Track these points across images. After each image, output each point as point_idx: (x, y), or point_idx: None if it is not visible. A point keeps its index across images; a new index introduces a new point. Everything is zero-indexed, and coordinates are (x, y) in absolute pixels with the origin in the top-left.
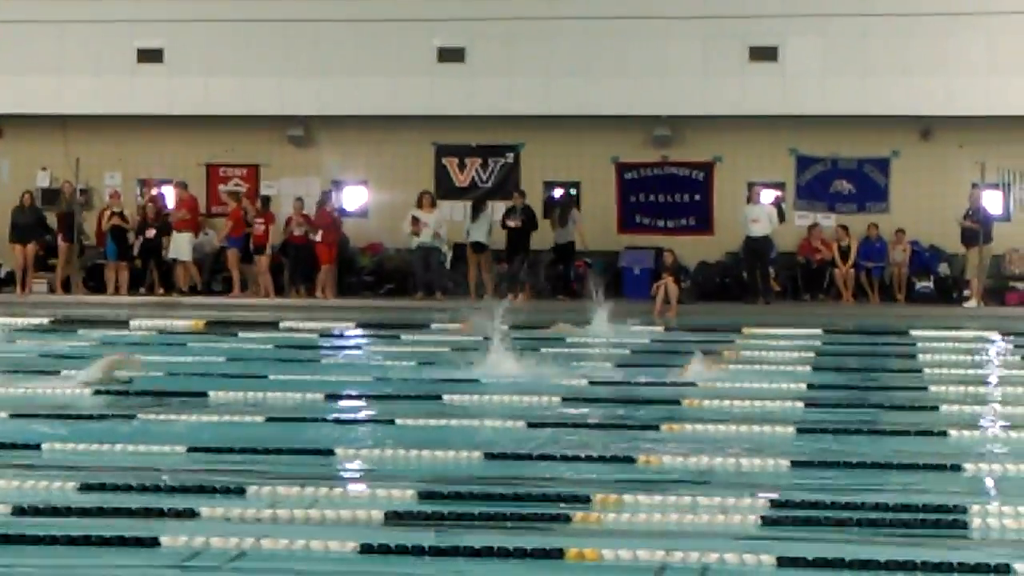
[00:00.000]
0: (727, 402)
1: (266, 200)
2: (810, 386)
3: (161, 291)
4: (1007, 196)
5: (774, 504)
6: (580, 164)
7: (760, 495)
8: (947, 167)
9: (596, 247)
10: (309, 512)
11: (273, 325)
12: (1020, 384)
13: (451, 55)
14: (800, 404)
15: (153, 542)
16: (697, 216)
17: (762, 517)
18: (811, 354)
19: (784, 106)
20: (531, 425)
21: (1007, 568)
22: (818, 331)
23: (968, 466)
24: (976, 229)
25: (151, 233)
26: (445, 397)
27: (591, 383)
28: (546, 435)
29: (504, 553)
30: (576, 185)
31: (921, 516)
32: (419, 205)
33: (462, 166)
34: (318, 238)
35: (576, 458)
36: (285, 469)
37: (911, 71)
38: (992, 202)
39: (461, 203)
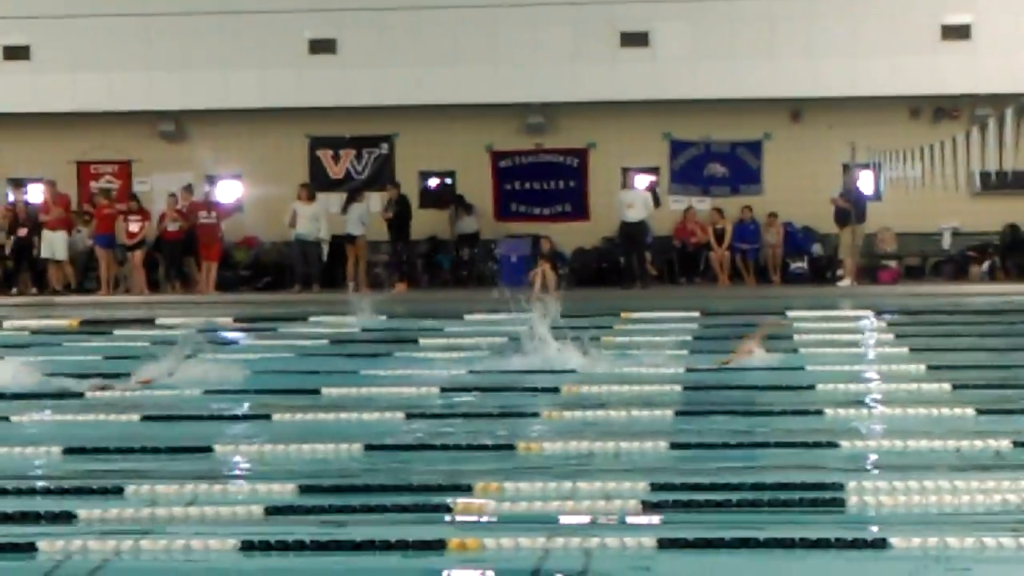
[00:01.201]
0: (606, 387)
1: (134, 196)
2: (688, 369)
3: (34, 291)
4: (877, 176)
5: (654, 487)
6: (455, 153)
7: (640, 479)
8: (818, 148)
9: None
10: (188, 510)
11: (149, 322)
12: (894, 361)
13: (322, 46)
14: (678, 387)
15: (30, 547)
16: (573, 202)
17: (643, 501)
18: (688, 337)
19: (656, 91)
20: (410, 416)
21: (884, 543)
22: (695, 314)
23: (844, 443)
24: (848, 209)
25: (23, 232)
26: (323, 390)
27: (471, 372)
28: (426, 426)
29: (385, 545)
30: (451, 174)
31: (799, 494)
32: (298, 198)
33: (336, 158)
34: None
35: (456, 447)
36: (163, 467)
37: (780, 54)
38: (863, 182)
39: (337, 195)
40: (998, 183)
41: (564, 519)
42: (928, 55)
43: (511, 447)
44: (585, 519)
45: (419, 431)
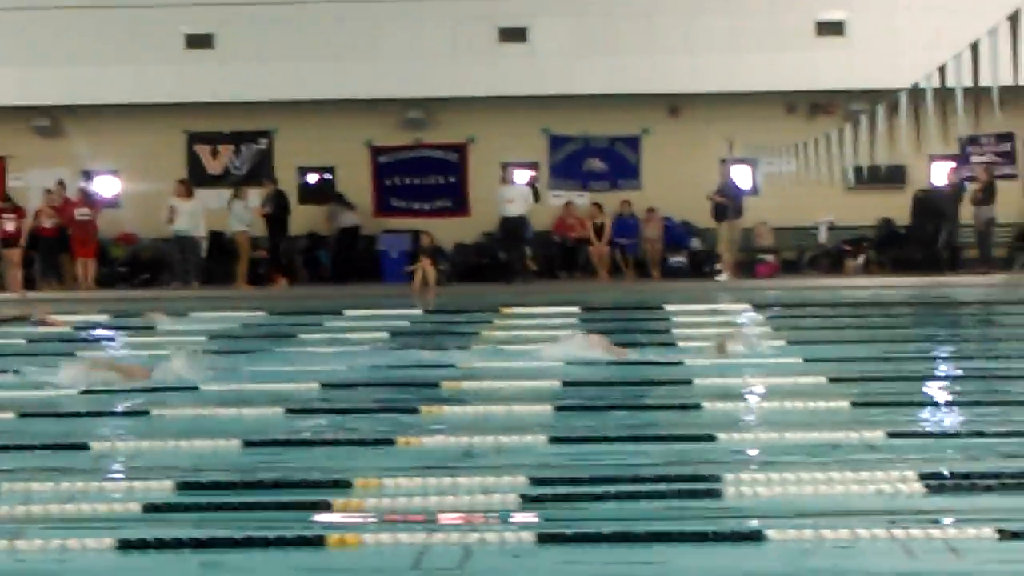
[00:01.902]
0: (486, 383)
1: (8, 196)
2: (568, 363)
3: None
4: (754, 171)
5: (534, 481)
6: (334, 148)
7: (520, 473)
8: (696, 143)
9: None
10: (64, 508)
11: (24, 319)
12: (771, 355)
13: (199, 41)
14: (557, 382)
15: None
16: (453, 198)
17: (522, 495)
18: (569, 332)
19: (535, 86)
20: (290, 411)
21: (760, 535)
22: (575, 309)
23: (722, 436)
24: (726, 204)
25: None
26: (202, 386)
27: (350, 368)
28: (305, 421)
29: (265, 542)
30: (331, 169)
31: (677, 487)
32: (176, 194)
33: (215, 153)
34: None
35: (336, 443)
36: (38, 465)
37: (658, 49)
38: (741, 177)
39: (215, 191)
40: (872, 178)
41: (444, 514)
42: (804, 51)
43: (391, 442)
44: (465, 514)
45: (298, 427)
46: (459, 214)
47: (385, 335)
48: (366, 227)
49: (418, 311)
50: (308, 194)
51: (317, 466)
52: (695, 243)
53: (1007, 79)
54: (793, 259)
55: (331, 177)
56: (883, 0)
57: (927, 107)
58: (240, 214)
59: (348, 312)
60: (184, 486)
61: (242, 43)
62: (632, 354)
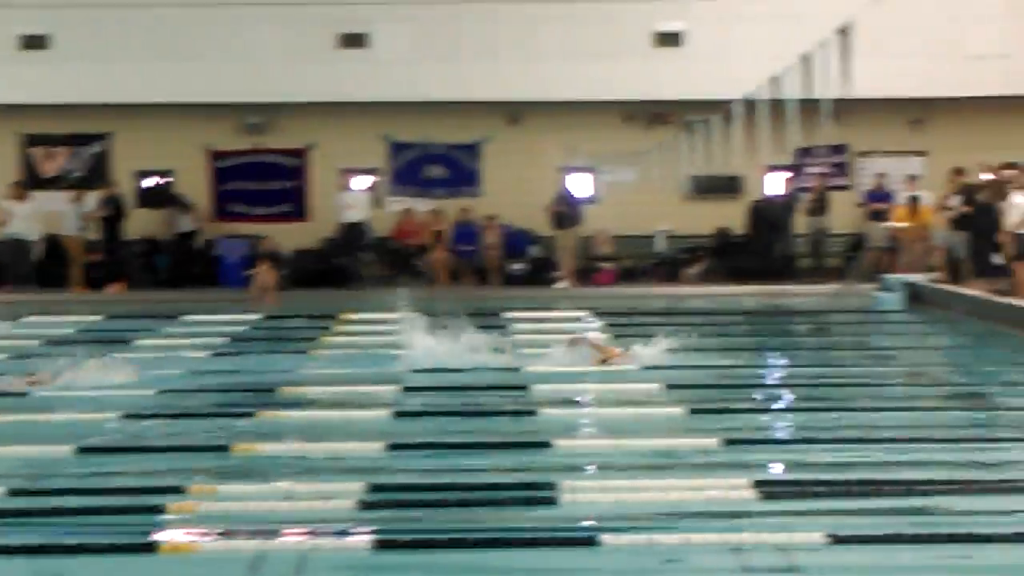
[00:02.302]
0: (324, 388)
1: None
2: (406, 370)
3: None
4: (593, 179)
5: (371, 488)
6: (172, 152)
7: (357, 479)
8: (535, 151)
9: None
10: None
11: None
12: (608, 363)
13: (35, 42)
14: (396, 387)
15: None
16: (292, 203)
17: (359, 501)
18: (407, 338)
19: (375, 92)
20: (126, 416)
21: (594, 540)
22: (414, 315)
23: (558, 443)
24: (565, 212)
25: None
26: (33, 392)
27: (190, 372)
28: (140, 427)
29: (97, 549)
30: (169, 173)
31: (512, 494)
32: (11, 197)
33: (50, 156)
34: None
35: (171, 449)
36: None
37: (499, 57)
38: (580, 185)
39: (49, 194)
40: (709, 187)
41: (280, 520)
42: (642, 61)
43: (226, 448)
44: (301, 520)
45: (133, 432)
46: (299, 219)
47: (223, 340)
48: (205, 231)
49: (257, 316)
50: (146, 198)
51: (152, 471)
52: (534, 250)
53: (838, 92)
54: (631, 267)
55: (170, 181)
56: (720, 12)
57: (760, 118)
58: (73, 217)
59: (186, 317)
60: (16, 492)
61: (79, 44)
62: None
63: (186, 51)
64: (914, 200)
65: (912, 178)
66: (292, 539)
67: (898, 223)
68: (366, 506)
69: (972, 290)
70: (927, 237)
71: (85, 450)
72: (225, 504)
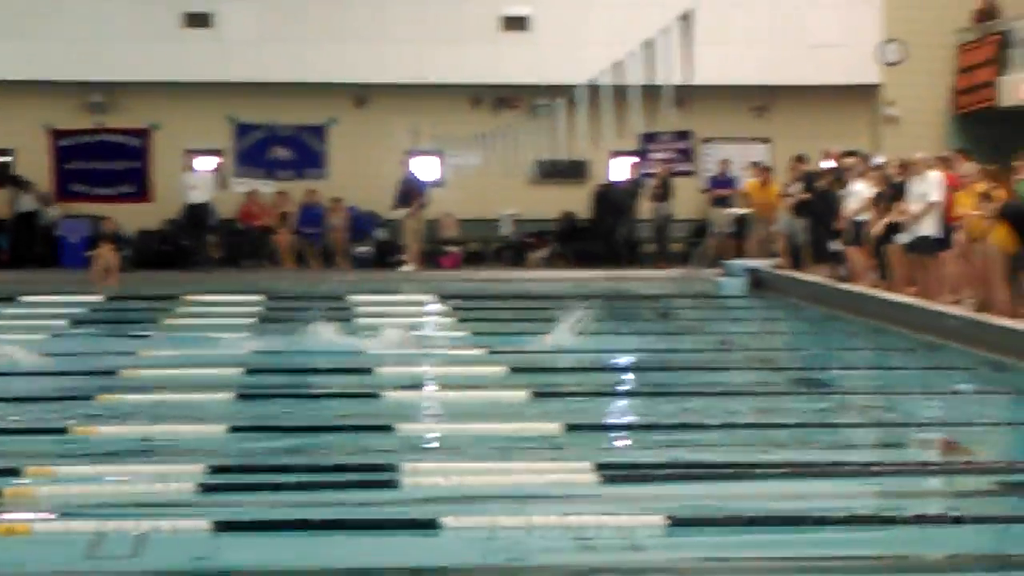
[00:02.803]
0: (166, 370)
1: None
2: (251, 352)
3: None
4: (441, 162)
5: (212, 470)
6: (13, 130)
7: (198, 462)
8: (382, 134)
9: None
10: None
11: None
12: (453, 346)
13: None
14: (240, 370)
15: None
16: (135, 183)
17: (199, 484)
18: (252, 320)
19: (221, 73)
20: None
21: (434, 523)
22: (259, 297)
23: (401, 426)
24: (410, 194)
25: None
26: None
27: (26, 354)
28: None
29: None
30: (9, 152)
31: (355, 476)
32: None
33: None
34: None
35: (6, 431)
36: None
37: (345, 39)
38: (426, 168)
39: None
40: (555, 172)
41: (119, 503)
42: (489, 45)
43: (64, 430)
44: (140, 502)
45: None
46: (142, 200)
47: (63, 322)
48: (47, 212)
49: (98, 298)
50: None
51: None
52: (380, 233)
53: (681, 78)
54: (478, 251)
55: (10, 160)
56: None
57: (605, 103)
58: None
59: (25, 298)
60: None
61: None
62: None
63: (27, 28)
64: (767, 170)
65: (755, 164)
66: (131, 521)
67: (750, 192)
68: (206, 488)
69: (812, 276)
70: (773, 218)
71: None
72: (63, 486)
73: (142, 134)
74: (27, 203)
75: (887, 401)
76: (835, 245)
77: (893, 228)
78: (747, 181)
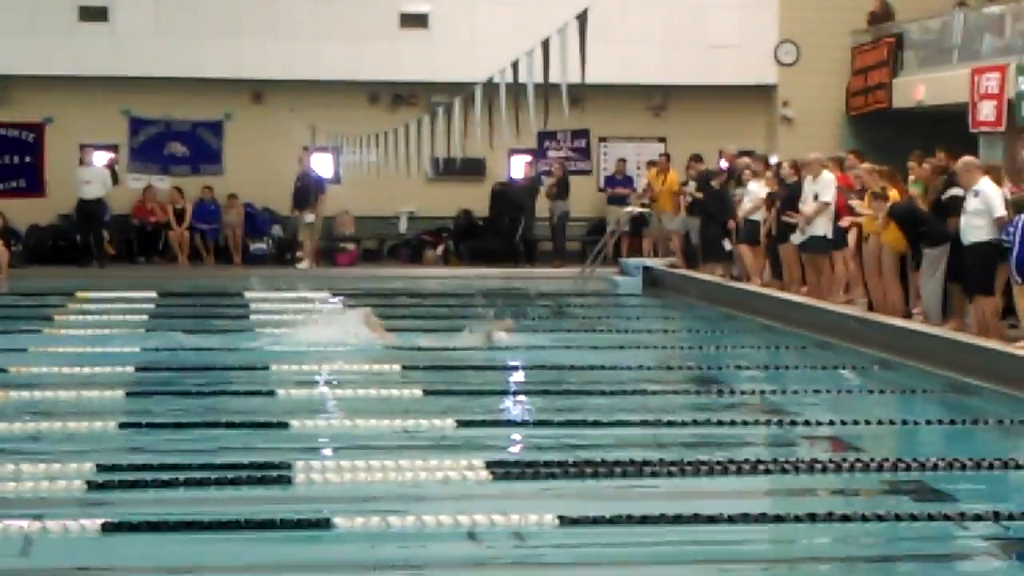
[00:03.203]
0: (57, 368)
1: None
2: (143, 349)
3: None
4: (337, 159)
5: (101, 468)
6: None
7: (87, 460)
8: (279, 131)
9: None
10: None
11: None
12: (347, 344)
13: None
14: (131, 368)
15: None
16: (28, 178)
17: (88, 482)
18: (145, 317)
19: (116, 67)
20: None
21: (327, 522)
22: (153, 294)
23: (295, 423)
24: (308, 192)
25: None
26: None
27: None
28: None
29: None
30: None
31: (247, 473)
32: None
33: None
34: None
35: None
36: None
37: (242, 34)
38: (323, 165)
39: None
40: (452, 169)
41: (5, 502)
42: (388, 42)
43: None
44: (28, 502)
45: None
46: (35, 195)
47: None
48: None
49: None
50: None
51: None
52: (276, 230)
53: (576, 77)
54: (374, 248)
55: None
56: None
57: (503, 101)
58: None
59: None
60: None
61: None
62: (210, 340)
63: None
64: (667, 157)
65: (651, 164)
66: (18, 521)
67: (650, 183)
68: (95, 487)
69: (706, 275)
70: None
71: None
72: None
73: (35, 128)
74: None
75: (778, 400)
76: (728, 244)
77: (787, 228)
78: (647, 172)
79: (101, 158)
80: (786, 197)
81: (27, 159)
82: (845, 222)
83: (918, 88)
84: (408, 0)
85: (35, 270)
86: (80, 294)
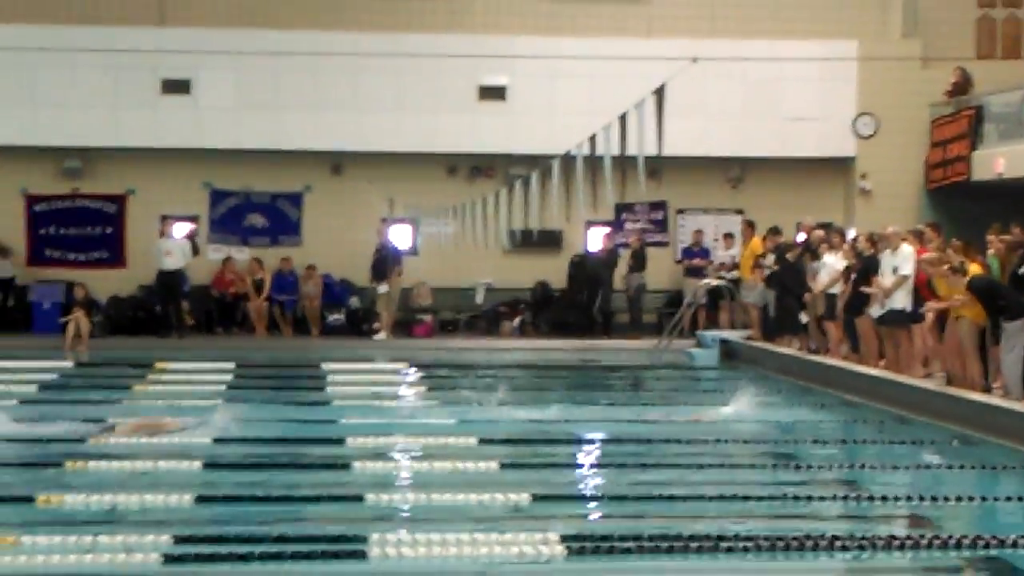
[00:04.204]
0: (133, 439)
1: None
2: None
3: None
4: (415, 231)
5: (178, 540)
6: None
7: (164, 532)
8: (358, 202)
9: None
10: None
11: None
12: (425, 415)
13: None
14: (207, 439)
15: None
16: (110, 249)
17: (164, 554)
18: (223, 388)
19: (197, 139)
20: None
21: None
22: (231, 365)
23: (370, 496)
24: (386, 263)
25: None
26: None
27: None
28: None
29: None
30: None
31: (322, 547)
32: None
33: None
34: None
35: None
36: None
37: (323, 107)
38: (401, 237)
39: None
40: (529, 241)
41: (84, 574)
42: (466, 114)
43: (30, 499)
44: (106, 574)
45: None
46: (116, 266)
47: (33, 388)
48: (19, 277)
49: (69, 364)
50: None
51: None
52: (354, 301)
53: (654, 150)
54: (451, 319)
55: None
56: (543, 68)
57: (580, 174)
58: None
59: None
60: None
61: None
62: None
63: (4, 94)
64: (751, 225)
65: (729, 236)
66: None
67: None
68: (172, 560)
69: (783, 348)
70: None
71: None
72: (28, 556)
73: (117, 200)
74: (4, 269)
75: (855, 475)
76: (804, 317)
77: (864, 301)
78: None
79: (181, 229)
80: (861, 270)
81: (109, 230)
82: (928, 311)
83: (998, 161)
84: (487, 73)
85: (116, 340)
86: (159, 364)
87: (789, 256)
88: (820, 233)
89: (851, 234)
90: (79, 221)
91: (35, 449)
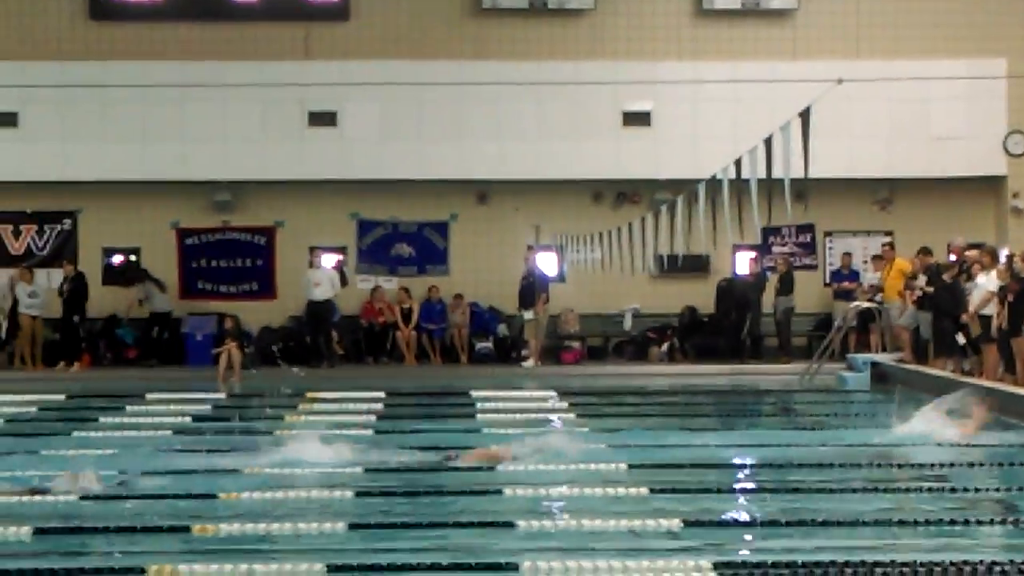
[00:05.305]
0: (288, 469)
1: None
2: (374, 449)
3: None
4: (561, 258)
5: (331, 569)
6: (140, 229)
7: (318, 560)
8: (504, 230)
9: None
10: None
11: None
12: (574, 442)
13: (4, 120)
14: (359, 468)
15: None
16: (260, 280)
17: None
18: (373, 417)
19: (344, 171)
20: (83, 498)
21: None
22: (381, 394)
23: (521, 523)
24: (533, 290)
25: None
26: None
27: (157, 450)
28: (99, 508)
29: None
30: (136, 251)
31: (475, 574)
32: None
33: (17, 233)
34: None
35: (131, 529)
36: None
37: (467, 136)
38: (547, 264)
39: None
40: (676, 266)
41: None
42: (610, 141)
43: (187, 529)
44: None
45: (93, 512)
46: (266, 297)
47: (187, 420)
48: (173, 310)
49: (222, 395)
50: (111, 275)
51: (111, 552)
52: (502, 329)
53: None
54: (599, 346)
55: (135, 259)
56: (687, 93)
57: (726, 198)
58: (24, 296)
59: (151, 395)
60: None
61: (46, 122)
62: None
63: (155, 129)
64: (891, 247)
65: (877, 258)
66: None
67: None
68: None
69: (937, 370)
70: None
71: (43, 530)
72: None
73: (267, 232)
74: (161, 302)
75: (1014, 499)
76: (960, 338)
77: (1019, 321)
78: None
79: (330, 260)
80: (1019, 292)
81: (259, 262)
82: None
83: None
84: (630, 99)
85: (267, 371)
86: (310, 394)
87: (946, 277)
88: (974, 253)
89: (1003, 254)
90: (229, 253)
91: (191, 479)
